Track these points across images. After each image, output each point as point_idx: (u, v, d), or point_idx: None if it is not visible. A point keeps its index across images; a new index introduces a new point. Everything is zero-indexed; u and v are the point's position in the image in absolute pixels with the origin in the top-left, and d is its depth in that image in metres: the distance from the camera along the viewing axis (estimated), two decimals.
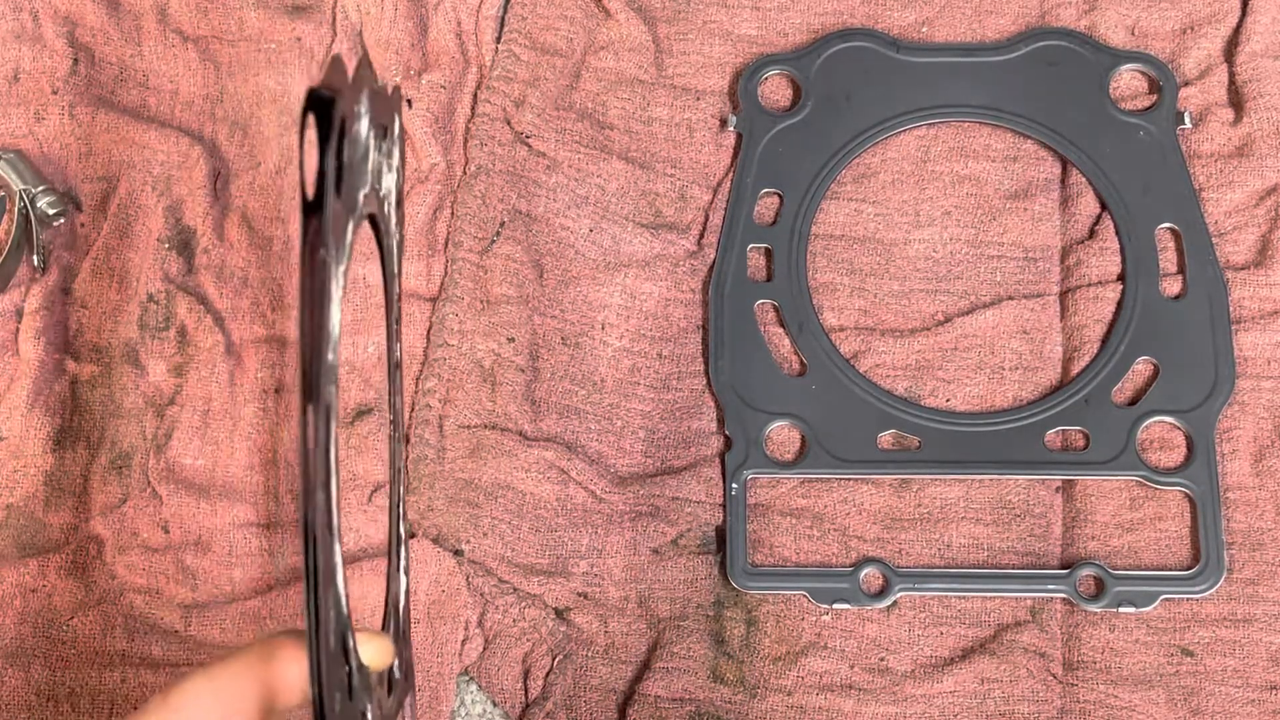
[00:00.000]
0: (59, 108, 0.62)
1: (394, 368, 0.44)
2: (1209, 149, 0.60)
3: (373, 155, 0.36)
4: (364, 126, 0.34)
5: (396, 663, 0.40)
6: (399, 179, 0.42)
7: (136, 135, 0.62)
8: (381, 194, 0.39)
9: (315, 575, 0.31)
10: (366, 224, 0.38)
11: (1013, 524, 0.56)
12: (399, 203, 0.42)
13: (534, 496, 0.56)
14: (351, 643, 0.34)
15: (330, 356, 0.31)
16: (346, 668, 0.34)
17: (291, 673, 0.34)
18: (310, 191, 0.30)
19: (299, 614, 0.55)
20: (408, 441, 0.57)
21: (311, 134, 0.30)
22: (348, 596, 0.34)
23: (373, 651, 0.36)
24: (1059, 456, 0.56)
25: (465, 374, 0.58)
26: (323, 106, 0.30)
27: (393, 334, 0.44)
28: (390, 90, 0.39)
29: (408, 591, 0.44)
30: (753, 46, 0.63)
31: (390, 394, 0.44)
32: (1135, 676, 0.53)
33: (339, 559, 0.32)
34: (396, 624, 0.42)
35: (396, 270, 0.43)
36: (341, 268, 0.33)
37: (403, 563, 0.43)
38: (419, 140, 0.61)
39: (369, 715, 0.36)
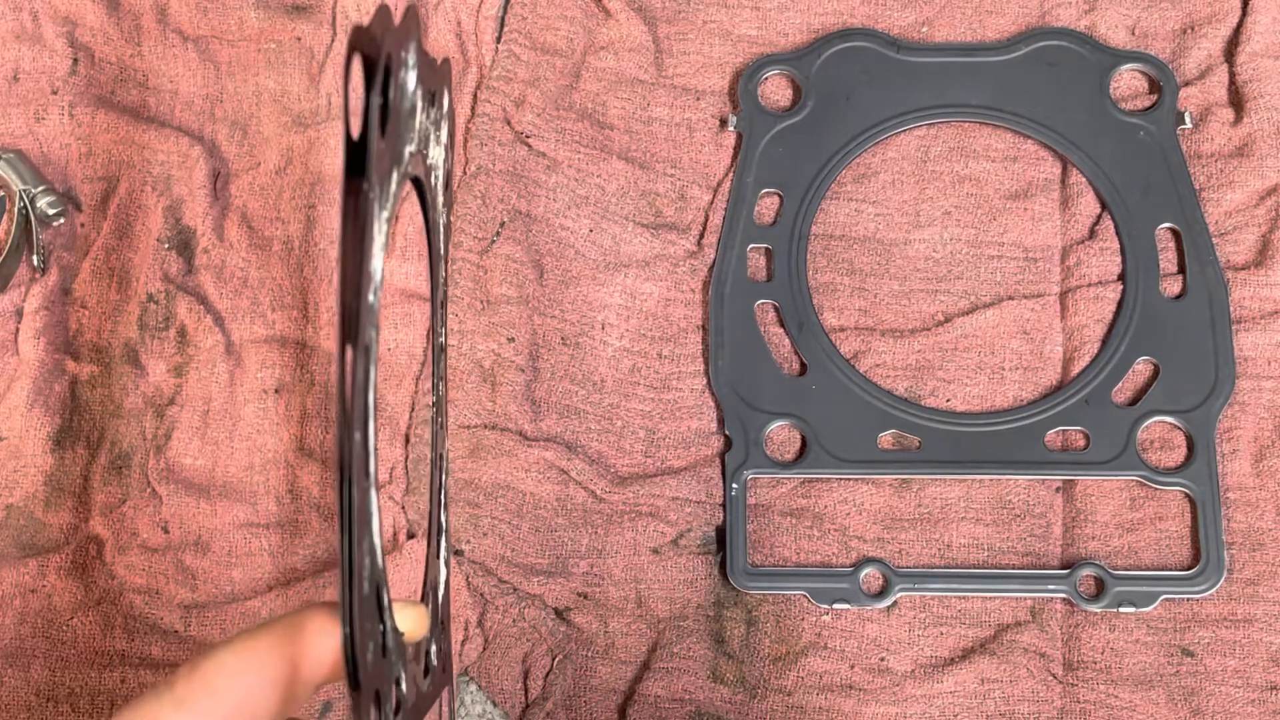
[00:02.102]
0: (59, 108, 0.62)
1: (439, 350, 0.44)
2: (1209, 149, 0.60)
3: (420, 116, 0.36)
4: (411, 79, 0.34)
5: (434, 650, 0.40)
6: (448, 159, 0.42)
7: (136, 135, 0.62)
8: (429, 162, 0.39)
9: (350, 516, 0.30)
10: (411, 190, 0.38)
11: (1013, 524, 0.56)
12: (447, 184, 0.43)
13: (534, 496, 0.56)
14: (386, 599, 0.33)
15: (371, 299, 0.31)
16: (381, 625, 0.33)
17: (322, 644, 0.33)
18: (355, 129, 0.30)
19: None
20: (407, 442, 0.57)
21: (356, 75, 0.30)
22: (383, 550, 0.33)
23: (409, 618, 0.36)
24: (1059, 456, 0.56)
25: (465, 374, 0.58)
26: (368, 43, 0.30)
27: (438, 317, 0.44)
28: (440, 61, 0.39)
29: (448, 583, 0.43)
30: (753, 46, 0.63)
31: (434, 377, 0.44)
32: (1135, 676, 0.53)
33: (375, 506, 0.32)
34: (434, 607, 0.42)
35: (443, 252, 0.43)
36: (385, 214, 0.32)
37: (442, 552, 0.43)
38: None
39: (403, 685, 0.35)
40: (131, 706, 0.33)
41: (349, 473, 0.30)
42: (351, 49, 0.30)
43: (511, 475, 0.56)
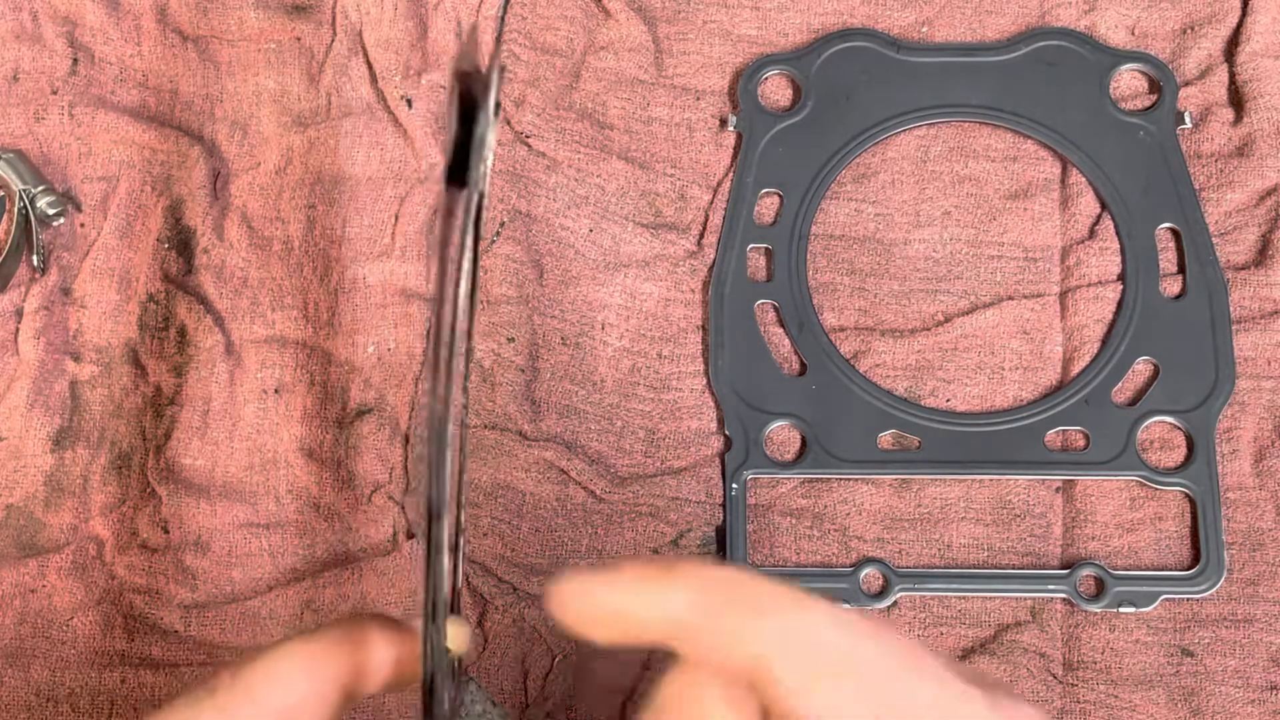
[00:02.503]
0: (59, 108, 0.62)
1: (469, 357, 0.44)
2: (1209, 149, 0.60)
3: (493, 133, 0.37)
4: (493, 100, 0.35)
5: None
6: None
7: (136, 135, 0.62)
8: (487, 169, 0.40)
9: (433, 549, 0.30)
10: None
11: (1013, 524, 0.56)
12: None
13: (534, 496, 0.56)
14: (443, 620, 0.33)
15: (461, 329, 0.32)
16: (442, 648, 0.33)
17: (380, 657, 0.32)
18: (452, 163, 0.30)
19: (301, 613, 0.55)
20: (406, 442, 0.57)
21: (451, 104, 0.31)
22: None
23: (455, 636, 0.35)
24: (1059, 456, 0.56)
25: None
26: (468, 79, 0.31)
27: (473, 316, 0.44)
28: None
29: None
30: (753, 46, 0.63)
31: (465, 371, 0.44)
32: (1135, 676, 0.53)
33: (445, 532, 0.32)
34: (458, 610, 0.41)
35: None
36: (469, 239, 0.33)
37: (463, 548, 0.43)
38: (419, 140, 0.61)
39: (445, 702, 0.35)
40: (169, 710, 0.31)
41: (437, 507, 0.30)
42: (455, 79, 0.30)
43: (511, 475, 0.56)
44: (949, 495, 0.56)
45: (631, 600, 0.30)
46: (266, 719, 0.31)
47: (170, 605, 0.55)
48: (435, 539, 0.31)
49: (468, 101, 0.31)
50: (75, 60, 0.63)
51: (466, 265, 0.32)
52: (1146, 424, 0.56)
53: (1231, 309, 0.57)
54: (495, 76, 0.35)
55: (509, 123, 0.61)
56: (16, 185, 0.60)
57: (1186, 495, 0.55)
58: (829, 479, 0.56)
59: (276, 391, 0.58)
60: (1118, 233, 0.59)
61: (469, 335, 0.44)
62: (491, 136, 0.37)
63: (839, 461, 0.56)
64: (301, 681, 0.31)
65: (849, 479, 0.56)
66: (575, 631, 0.31)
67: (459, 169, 0.31)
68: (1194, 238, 0.58)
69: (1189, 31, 0.62)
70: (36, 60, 0.63)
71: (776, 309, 0.59)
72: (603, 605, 0.31)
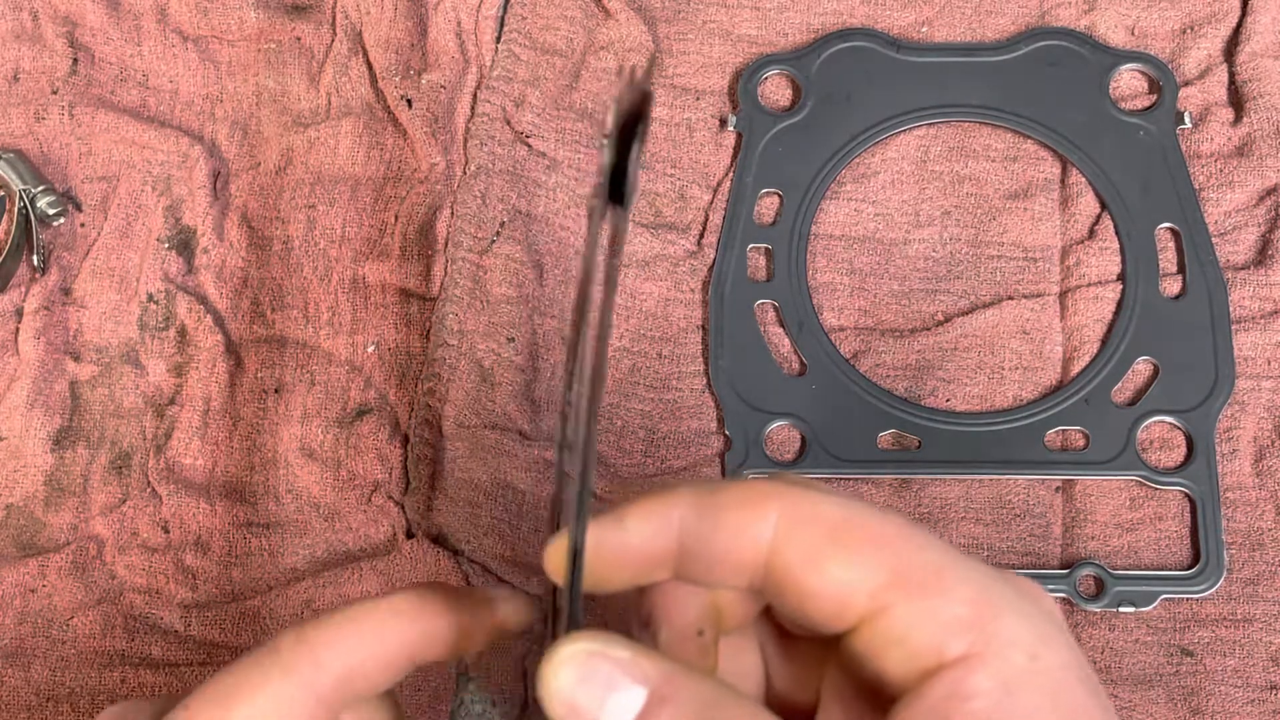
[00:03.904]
0: (59, 108, 0.62)
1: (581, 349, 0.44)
2: (1209, 149, 0.60)
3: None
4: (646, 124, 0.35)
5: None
6: None
7: (136, 135, 0.62)
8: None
9: (577, 564, 0.30)
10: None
11: (1013, 524, 0.56)
12: None
13: (534, 496, 0.56)
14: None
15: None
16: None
17: (444, 623, 0.32)
18: (613, 182, 0.31)
19: (301, 613, 0.55)
20: (406, 441, 0.57)
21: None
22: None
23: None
24: (1059, 456, 0.56)
25: (465, 374, 0.58)
26: (634, 103, 0.31)
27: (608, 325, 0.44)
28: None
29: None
30: (753, 46, 0.63)
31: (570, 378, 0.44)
32: (1135, 676, 0.53)
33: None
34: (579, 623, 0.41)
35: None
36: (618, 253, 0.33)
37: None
38: (419, 140, 0.61)
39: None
40: (236, 669, 0.31)
41: (580, 545, 0.30)
42: (623, 102, 0.30)
43: (512, 475, 0.56)
44: (949, 495, 0.56)
45: (636, 534, 0.31)
46: (331, 678, 0.31)
47: (170, 605, 0.55)
48: (576, 582, 0.31)
49: (631, 124, 0.32)
50: (75, 60, 0.63)
51: (604, 274, 0.32)
52: (1146, 424, 0.56)
53: (1231, 309, 0.57)
54: (650, 103, 0.35)
55: (509, 123, 0.61)
56: (16, 185, 0.60)
57: (1186, 495, 0.55)
58: (829, 479, 0.56)
59: (276, 391, 0.58)
60: (1117, 233, 0.59)
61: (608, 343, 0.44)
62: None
63: (839, 461, 0.56)
64: (367, 644, 0.31)
65: (849, 479, 0.56)
66: (589, 585, 0.31)
67: (619, 188, 0.31)
68: (1194, 238, 0.58)
69: (1189, 31, 0.62)
70: (37, 60, 0.63)
71: (776, 309, 0.59)
72: (609, 550, 0.31)
